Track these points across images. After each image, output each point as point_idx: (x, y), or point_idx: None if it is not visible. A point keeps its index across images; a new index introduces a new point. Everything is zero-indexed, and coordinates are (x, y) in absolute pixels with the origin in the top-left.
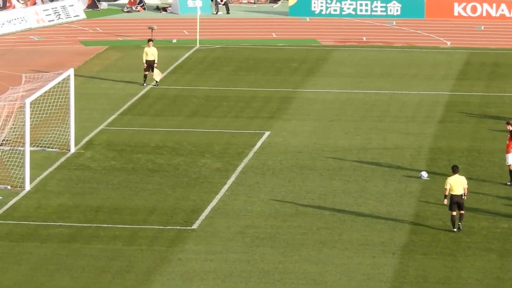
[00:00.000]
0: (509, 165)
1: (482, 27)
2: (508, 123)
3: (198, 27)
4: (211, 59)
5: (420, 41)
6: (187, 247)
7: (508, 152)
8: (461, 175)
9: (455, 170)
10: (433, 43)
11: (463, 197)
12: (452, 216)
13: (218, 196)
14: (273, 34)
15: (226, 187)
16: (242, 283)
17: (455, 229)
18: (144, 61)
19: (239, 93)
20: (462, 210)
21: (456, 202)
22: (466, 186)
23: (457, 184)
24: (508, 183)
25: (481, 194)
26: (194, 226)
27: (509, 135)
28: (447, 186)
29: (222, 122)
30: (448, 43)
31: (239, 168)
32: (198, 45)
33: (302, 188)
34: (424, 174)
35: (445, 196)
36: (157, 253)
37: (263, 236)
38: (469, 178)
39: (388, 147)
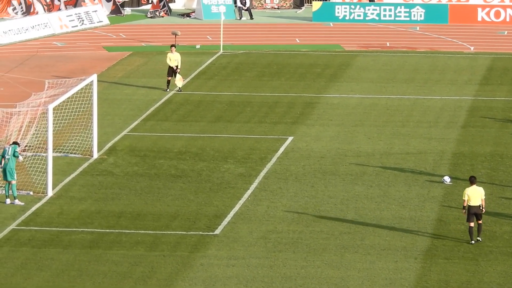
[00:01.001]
0: None
1: (506, 32)
2: None
3: (221, 32)
4: (235, 64)
5: (444, 46)
6: (209, 252)
7: None
8: (479, 185)
9: (472, 181)
10: (456, 48)
11: (481, 208)
12: (470, 227)
13: (241, 202)
14: (297, 39)
15: (248, 192)
16: None
17: (472, 241)
18: (170, 66)
19: (263, 98)
20: (480, 220)
21: (474, 213)
22: (483, 197)
23: (475, 195)
24: None
25: (504, 199)
26: (217, 232)
27: None
28: (465, 198)
29: (245, 128)
30: (472, 48)
31: (262, 174)
32: (221, 50)
33: (325, 193)
34: (447, 179)
35: (464, 207)
36: (179, 259)
37: (285, 241)
38: (491, 183)
39: (411, 152)
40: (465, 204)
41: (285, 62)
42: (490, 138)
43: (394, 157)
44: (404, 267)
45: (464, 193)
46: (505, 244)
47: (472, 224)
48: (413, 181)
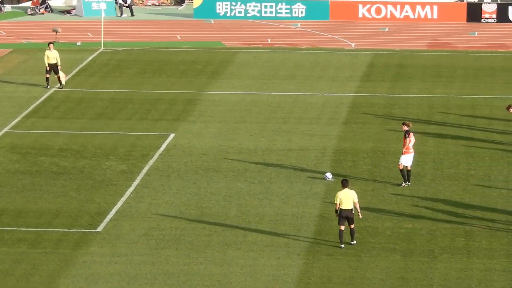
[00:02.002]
0: (406, 166)
1: (387, 28)
2: (404, 124)
3: (102, 29)
4: (116, 61)
5: (325, 43)
6: (91, 249)
7: (405, 153)
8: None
9: (344, 184)
10: (337, 44)
11: (353, 212)
12: (340, 231)
13: (123, 199)
14: (178, 36)
15: (131, 189)
16: (147, 285)
17: (342, 245)
18: (47, 64)
19: (144, 95)
20: (353, 224)
21: (345, 217)
22: (356, 201)
23: (347, 198)
24: (404, 184)
25: (385, 195)
26: (99, 229)
27: (404, 136)
28: (337, 201)
29: (126, 125)
30: (353, 44)
31: (144, 171)
32: (102, 47)
33: (207, 190)
34: (329, 175)
35: (336, 211)
36: (62, 256)
37: (168, 238)
38: (373, 180)
39: (293, 148)
40: (337, 208)
41: (167, 59)
42: (371, 135)
43: (276, 153)
44: (287, 264)
45: (336, 196)
46: (387, 240)
47: (342, 228)
48: (295, 178)
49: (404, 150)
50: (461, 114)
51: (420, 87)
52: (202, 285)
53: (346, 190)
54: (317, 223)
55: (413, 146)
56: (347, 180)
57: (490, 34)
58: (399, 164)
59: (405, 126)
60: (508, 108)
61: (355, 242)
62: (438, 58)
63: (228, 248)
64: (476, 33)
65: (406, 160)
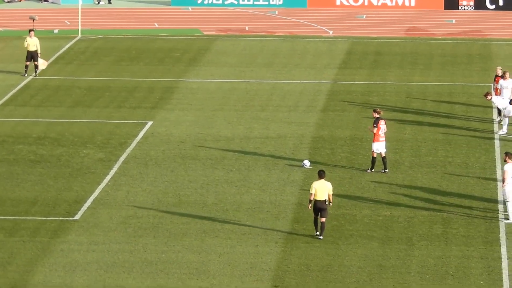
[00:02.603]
0: (380, 153)
1: (364, 16)
2: (374, 111)
3: (79, 17)
4: (93, 49)
5: (303, 31)
6: (69, 238)
7: (375, 140)
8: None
9: (321, 175)
10: (315, 32)
11: (326, 203)
12: (315, 218)
13: (101, 187)
14: (156, 24)
15: (108, 177)
16: (125, 274)
17: (317, 232)
18: (27, 52)
19: (122, 83)
20: (324, 217)
21: (319, 208)
22: (331, 193)
23: (322, 190)
24: (369, 170)
25: (363, 182)
26: (77, 217)
27: (373, 123)
28: (312, 191)
29: (104, 113)
30: (331, 32)
31: (122, 159)
32: (80, 35)
33: (185, 178)
34: (307, 163)
35: (310, 201)
36: (39, 244)
37: (145, 226)
38: (351, 167)
39: (271, 136)
40: (311, 198)
41: (144, 47)
42: (349, 122)
43: (254, 141)
44: (265, 251)
45: (312, 186)
46: (365, 228)
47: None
48: (273, 165)
49: (375, 138)
50: (439, 101)
51: (398, 75)
52: (180, 273)
53: (322, 181)
54: (295, 210)
55: (384, 133)
56: (323, 171)
57: (467, 21)
58: (372, 152)
59: (376, 113)
60: (485, 95)
61: (321, 237)
62: (415, 45)
63: (206, 236)
64: (454, 20)
65: (378, 147)
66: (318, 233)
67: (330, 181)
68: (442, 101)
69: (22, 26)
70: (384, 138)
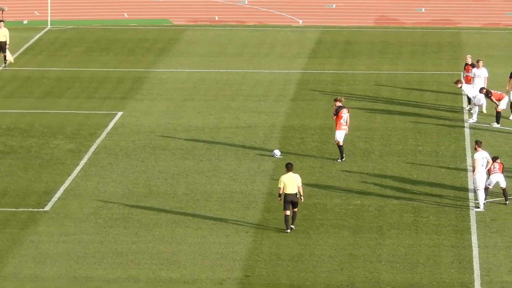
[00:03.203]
0: (337, 141)
1: (334, 5)
2: (336, 100)
3: (49, 7)
4: (63, 40)
5: (272, 20)
6: (39, 229)
7: (337, 128)
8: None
9: (289, 168)
10: (285, 21)
11: (297, 196)
12: (286, 216)
13: (71, 178)
14: (125, 14)
15: (78, 168)
16: (96, 264)
17: (288, 230)
18: None
19: (92, 73)
20: (296, 208)
21: (290, 201)
22: (300, 185)
23: (291, 183)
24: (338, 160)
25: (334, 171)
26: (47, 208)
27: (335, 112)
28: (281, 185)
29: (74, 103)
30: (300, 21)
31: (92, 149)
32: (49, 26)
33: (155, 168)
34: (277, 153)
35: (279, 195)
36: (9, 236)
37: (116, 217)
38: (321, 157)
39: (241, 126)
40: (280, 192)
41: (114, 37)
42: (319, 111)
43: (224, 131)
44: (236, 241)
45: (280, 180)
46: (336, 217)
47: (288, 213)
48: (243, 155)
49: (337, 126)
50: (409, 90)
51: (368, 64)
52: (150, 263)
53: (290, 174)
54: (265, 200)
55: (346, 122)
56: (291, 164)
57: (437, 10)
58: (337, 141)
59: (338, 102)
60: (456, 83)
61: (293, 227)
62: (385, 34)
63: (176, 226)
64: (423, 9)
65: (341, 135)
66: (289, 230)
67: (300, 171)
68: (412, 90)
69: None
70: (346, 127)
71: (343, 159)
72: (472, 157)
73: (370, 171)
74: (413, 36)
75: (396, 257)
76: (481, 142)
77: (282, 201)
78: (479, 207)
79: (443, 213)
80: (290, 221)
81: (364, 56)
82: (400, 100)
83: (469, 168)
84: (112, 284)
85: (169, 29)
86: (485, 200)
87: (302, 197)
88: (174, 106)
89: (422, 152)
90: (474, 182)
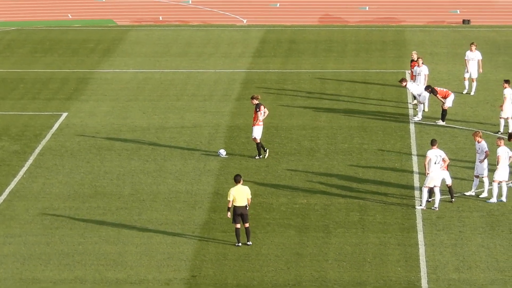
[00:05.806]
0: (254, 138)
1: (278, 4)
2: (253, 98)
3: None
4: (6, 41)
5: (217, 19)
6: None
7: (255, 125)
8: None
9: (237, 180)
10: (229, 21)
11: (247, 208)
12: (237, 229)
13: (16, 179)
14: (69, 15)
15: (24, 169)
16: (42, 266)
17: (239, 244)
18: None
19: (36, 74)
20: (247, 222)
21: (240, 214)
22: (249, 197)
23: (241, 195)
24: (257, 157)
25: (280, 170)
26: None
27: (255, 109)
28: (230, 198)
29: (19, 105)
30: (244, 21)
31: (37, 150)
32: None
33: (101, 169)
34: (223, 152)
35: (228, 209)
36: None
37: (62, 218)
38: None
39: (186, 125)
40: (229, 205)
41: (58, 38)
42: None
43: (170, 131)
44: (182, 241)
45: (229, 193)
46: (282, 216)
47: (238, 226)
48: (189, 155)
49: (255, 122)
50: (354, 88)
51: (312, 62)
52: (97, 264)
53: (239, 186)
54: (211, 200)
55: (263, 118)
56: (240, 176)
57: (381, 8)
58: (254, 138)
59: (255, 100)
60: (401, 82)
61: (250, 243)
62: (329, 33)
63: (122, 227)
64: (367, 7)
65: (258, 132)
66: (240, 243)
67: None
68: (357, 88)
69: None
70: (262, 123)
71: (261, 156)
72: (426, 154)
73: (315, 170)
74: (357, 35)
75: (342, 256)
76: (435, 140)
77: (231, 216)
78: (421, 205)
79: (389, 211)
80: (241, 234)
81: (308, 55)
82: (345, 98)
83: (415, 165)
84: (59, 285)
85: (113, 30)
86: (438, 199)
87: (247, 206)
88: (119, 107)
89: (367, 150)
90: (425, 180)
